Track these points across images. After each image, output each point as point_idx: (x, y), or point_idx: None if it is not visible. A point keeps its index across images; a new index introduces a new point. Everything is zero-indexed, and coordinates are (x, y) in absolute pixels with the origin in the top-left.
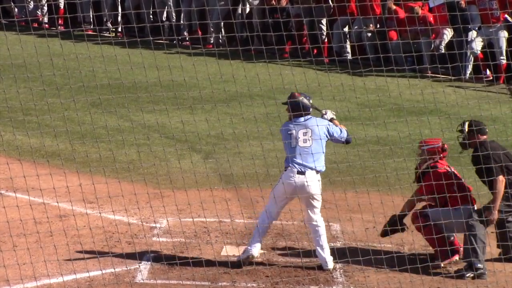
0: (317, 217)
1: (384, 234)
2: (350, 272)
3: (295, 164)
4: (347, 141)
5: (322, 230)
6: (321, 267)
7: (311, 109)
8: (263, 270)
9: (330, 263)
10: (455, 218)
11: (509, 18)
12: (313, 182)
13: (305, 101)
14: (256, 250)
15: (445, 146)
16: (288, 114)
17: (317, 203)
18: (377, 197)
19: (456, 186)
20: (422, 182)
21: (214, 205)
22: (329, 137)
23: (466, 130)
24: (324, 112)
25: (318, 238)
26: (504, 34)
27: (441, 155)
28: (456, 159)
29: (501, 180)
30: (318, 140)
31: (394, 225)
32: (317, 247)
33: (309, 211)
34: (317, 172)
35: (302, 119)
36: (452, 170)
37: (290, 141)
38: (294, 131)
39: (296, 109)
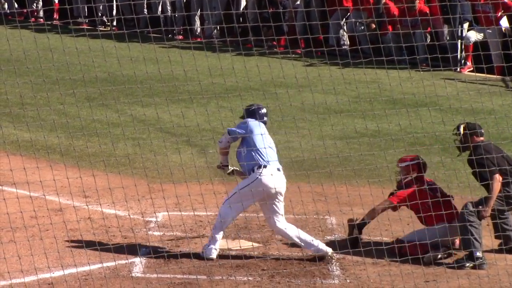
0: (283, 219)
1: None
2: (346, 264)
3: (271, 162)
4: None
5: (293, 229)
6: (321, 258)
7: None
8: (259, 263)
9: (324, 248)
10: (430, 236)
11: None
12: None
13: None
14: (217, 246)
15: (422, 162)
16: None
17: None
18: (373, 190)
19: (432, 203)
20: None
21: (210, 198)
22: None
23: (462, 133)
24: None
25: (297, 238)
26: (497, 38)
27: (418, 173)
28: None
29: (497, 178)
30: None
31: (354, 238)
32: (305, 245)
33: (274, 216)
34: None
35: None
36: (429, 186)
37: (262, 140)
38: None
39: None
